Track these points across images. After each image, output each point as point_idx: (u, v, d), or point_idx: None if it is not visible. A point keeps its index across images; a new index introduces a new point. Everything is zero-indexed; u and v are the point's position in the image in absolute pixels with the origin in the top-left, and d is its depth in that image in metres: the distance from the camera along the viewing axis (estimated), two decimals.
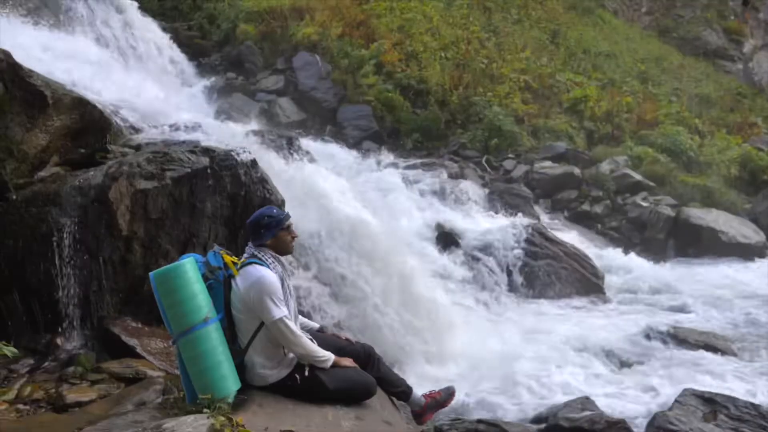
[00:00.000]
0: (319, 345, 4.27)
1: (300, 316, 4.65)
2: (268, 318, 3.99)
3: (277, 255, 4.26)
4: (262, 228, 4.23)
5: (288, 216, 4.39)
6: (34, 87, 5.96)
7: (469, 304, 9.19)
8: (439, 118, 14.88)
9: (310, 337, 4.29)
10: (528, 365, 7.40)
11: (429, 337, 7.73)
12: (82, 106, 6.44)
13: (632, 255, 11.59)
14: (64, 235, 5.65)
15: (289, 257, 5.46)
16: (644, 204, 12.78)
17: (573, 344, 7.94)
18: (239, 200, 6.56)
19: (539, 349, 7.83)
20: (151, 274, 3.96)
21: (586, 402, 6.31)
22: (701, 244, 12.10)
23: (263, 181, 6.82)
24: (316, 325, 4.72)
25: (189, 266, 3.97)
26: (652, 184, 13.47)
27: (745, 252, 11.91)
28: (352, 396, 4.29)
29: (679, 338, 8.15)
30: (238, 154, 6.71)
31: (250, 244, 4.29)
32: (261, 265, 4.11)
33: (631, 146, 14.66)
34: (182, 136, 7.43)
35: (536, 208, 12.56)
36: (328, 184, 8.36)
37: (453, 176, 12.82)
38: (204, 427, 3.45)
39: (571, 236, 11.49)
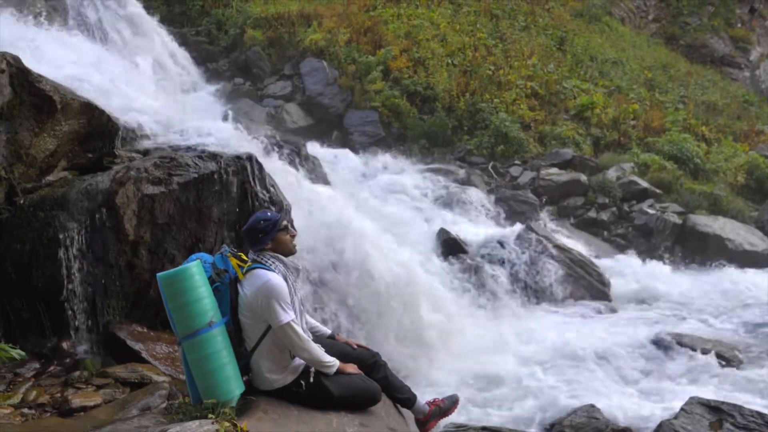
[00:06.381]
0: (326, 350, 4.27)
1: (312, 320, 4.65)
2: (276, 322, 3.99)
3: (278, 255, 4.26)
4: (259, 233, 4.22)
5: (283, 216, 4.39)
6: (43, 92, 5.99)
7: (474, 311, 9.17)
8: (446, 125, 14.89)
9: (317, 344, 4.29)
10: (533, 372, 7.39)
11: (433, 345, 7.73)
12: (90, 110, 6.46)
13: (639, 261, 11.60)
14: (71, 240, 5.67)
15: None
16: (651, 211, 12.74)
17: (579, 351, 7.92)
18: (246, 205, 6.58)
19: (544, 356, 7.82)
20: (158, 275, 3.98)
21: (591, 409, 6.31)
22: (708, 252, 12.05)
23: (270, 186, 6.84)
24: (328, 332, 4.72)
25: (196, 269, 3.99)
26: (658, 191, 13.43)
27: (752, 259, 11.85)
28: (356, 403, 4.29)
29: (686, 346, 8.13)
30: (244, 159, 6.73)
31: (250, 250, 4.30)
32: (265, 269, 4.11)
33: (637, 153, 14.62)
34: (189, 141, 7.46)
35: (542, 214, 12.55)
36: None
37: (459, 182, 12.83)
38: None
39: (577, 243, 11.47)
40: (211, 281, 4.09)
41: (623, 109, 16.37)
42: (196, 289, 3.95)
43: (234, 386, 4.00)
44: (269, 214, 4.33)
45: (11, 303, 5.67)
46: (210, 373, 3.93)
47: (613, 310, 9.82)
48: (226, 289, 4.13)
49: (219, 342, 3.97)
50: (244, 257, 4.28)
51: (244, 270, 4.17)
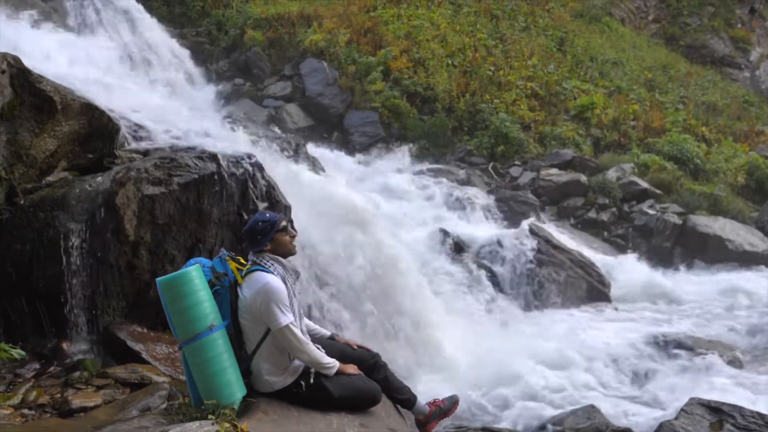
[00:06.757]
0: (326, 351, 4.27)
1: (311, 323, 4.65)
2: (275, 325, 3.98)
3: (277, 257, 4.26)
4: (258, 234, 4.21)
5: (282, 217, 4.38)
6: (44, 92, 5.98)
7: (474, 312, 9.17)
8: (446, 125, 14.89)
9: (317, 345, 4.28)
10: (533, 373, 7.39)
11: (434, 345, 7.72)
12: (90, 111, 6.46)
13: (638, 261, 11.61)
14: (72, 240, 5.67)
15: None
16: (651, 212, 12.75)
17: (579, 352, 7.92)
18: (246, 206, 6.57)
19: (545, 357, 7.81)
20: (157, 280, 3.97)
21: (591, 410, 6.31)
22: (708, 252, 12.06)
23: (270, 186, 6.84)
24: (328, 333, 4.72)
25: (195, 273, 3.98)
26: (658, 191, 13.43)
27: (752, 260, 11.85)
28: (356, 403, 4.29)
29: (686, 346, 8.13)
30: (244, 160, 6.73)
31: (250, 252, 4.29)
32: (264, 271, 4.10)
33: (637, 154, 14.63)
34: (190, 141, 7.45)
35: (542, 215, 12.55)
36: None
37: (459, 183, 12.83)
38: None
39: (577, 244, 11.46)
40: (211, 285, 4.09)
41: (623, 110, 16.38)
42: (195, 293, 3.94)
43: (235, 389, 3.99)
44: (268, 215, 4.32)
45: (11, 303, 5.67)
46: (211, 377, 3.92)
47: (614, 311, 9.81)
48: (225, 292, 4.13)
49: (220, 345, 3.96)
50: (243, 261, 4.28)
51: (243, 273, 4.16)
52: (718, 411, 5.80)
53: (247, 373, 4.15)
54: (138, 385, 5.14)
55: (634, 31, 24.54)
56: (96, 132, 6.58)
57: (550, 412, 6.57)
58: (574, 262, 10.35)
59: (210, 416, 3.71)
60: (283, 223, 4.31)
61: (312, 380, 4.14)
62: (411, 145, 14.57)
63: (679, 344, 8.18)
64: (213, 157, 6.52)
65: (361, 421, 4.18)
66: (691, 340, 8.31)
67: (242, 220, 6.49)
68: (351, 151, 14.02)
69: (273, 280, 4.04)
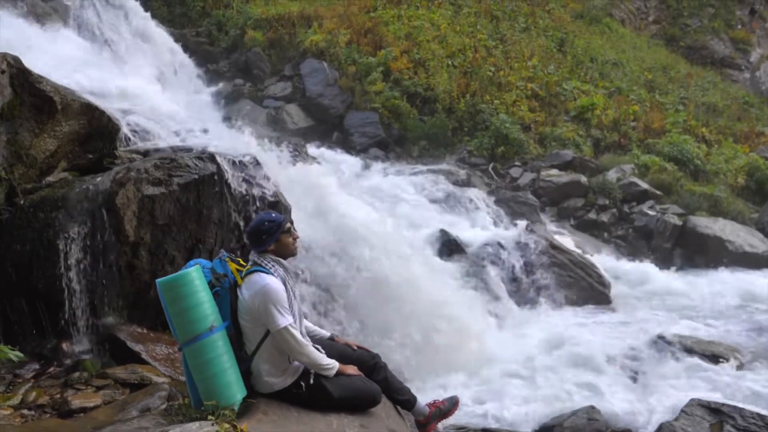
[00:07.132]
0: (326, 352, 4.27)
1: (311, 324, 4.65)
2: (274, 326, 3.98)
3: (278, 258, 4.25)
4: (263, 234, 4.21)
5: (287, 218, 4.39)
6: (44, 92, 5.99)
7: (473, 313, 9.15)
8: (446, 126, 14.88)
9: (317, 346, 4.28)
10: (533, 374, 7.38)
11: (434, 346, 7.71)
12: (90, 111, 6.47)
13: (638, 262, 11.60)
14: (71, 240, 5.67)
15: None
16: (651, 213, 12.74)
17: (579, 353, 7.91)
18: (246, 206, 6.57)
19: (544, 358, 7.81)
20: (157, 281, 3.96)
21: (591, 411, 6.31)
22: (708, 254, 12.05)
23: (271, 187, 6.83)
24: (327, 334, 4.72)
25: (195, 274, 3.98)
26: (658, 192, 13.43)
27: (752, 261, 11.84)
28: (356, 404, 4.29)
29: (686, 347, 8.11)
30: (245, 160, 6.73)
31: (252, 251, 4.28)
32: (264, 272, 4.10)
33: (637, 155, 14.62)
34: (190, 142, 7.45)
35: (542, 216, 12.53)
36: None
37: (459, 184, 12.81)
38: None
39: (577, 245, 11.45)
40: (211, 286, 4.09)
41: (623, 111, 16.38)
42: (195, 294, 3.94)
43: (235, 390, 3.99)
44: (273, 215, 4.32)
45: (11, 303, 5.67)
46: (211, 378, 3.92)
47: (614, 312, 9.80)
48: (225, 293, 4.13)
49: (220, 347, 3.97)
50: (243, 262, 4.27)
51: (243, 274, 4.16)
52: (718, 412, 5.81)
53: (247, 374, 4.15)
54: (138, 386, 5.14)
55: (634, 32, 24.55)
56: (96, 132, 6.58)
57: (549, 412, 6.56)
58: (574, 263, 10.34)
59: (210, 417, 3.71)
60: (288, 224, 4.31)
61: (312, 381, 4.15)
62: (411, 145, 14.53)
63: (680, 345, 8.16)
64: (213, 157, 6.51)
65: (361, 421, 4.19)
66: (692, 340, 8.30)
67: (242, 220, 6.50)
68: (351, 151, 13.99)
69: (272, 281, 4.04)
